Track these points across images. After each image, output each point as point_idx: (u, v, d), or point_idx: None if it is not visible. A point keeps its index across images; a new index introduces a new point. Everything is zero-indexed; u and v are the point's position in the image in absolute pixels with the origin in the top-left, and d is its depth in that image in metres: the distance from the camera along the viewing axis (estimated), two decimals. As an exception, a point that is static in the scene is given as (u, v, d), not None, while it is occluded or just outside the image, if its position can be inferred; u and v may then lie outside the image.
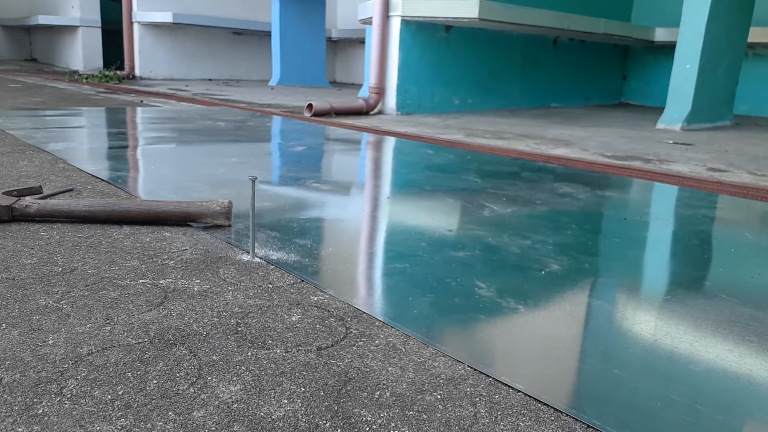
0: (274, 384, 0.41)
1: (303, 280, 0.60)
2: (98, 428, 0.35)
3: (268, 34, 4.46)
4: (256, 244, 0.67)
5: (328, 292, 0.58)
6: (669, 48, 3.03)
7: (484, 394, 0.41)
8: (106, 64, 4.84)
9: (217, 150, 1.40)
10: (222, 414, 0.37)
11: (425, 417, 0.38)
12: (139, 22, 4.57)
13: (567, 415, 0.39)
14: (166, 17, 4.45)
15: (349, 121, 2.16)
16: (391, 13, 2.46)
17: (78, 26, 4.84)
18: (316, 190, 1.01)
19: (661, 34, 3.40)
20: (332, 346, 0.47)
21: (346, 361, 0.45)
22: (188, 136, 1.60)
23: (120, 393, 0.39)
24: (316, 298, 0.56)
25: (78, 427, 0.35)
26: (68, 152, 1.23)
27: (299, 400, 0.39)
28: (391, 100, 2.53)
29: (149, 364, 0.43)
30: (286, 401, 0.39)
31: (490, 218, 0.87)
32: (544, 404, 0.40)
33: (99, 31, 4.92)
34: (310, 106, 2.28)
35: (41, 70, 4.82)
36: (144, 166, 1.20)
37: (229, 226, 0.77)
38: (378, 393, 0.41)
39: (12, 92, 2.74)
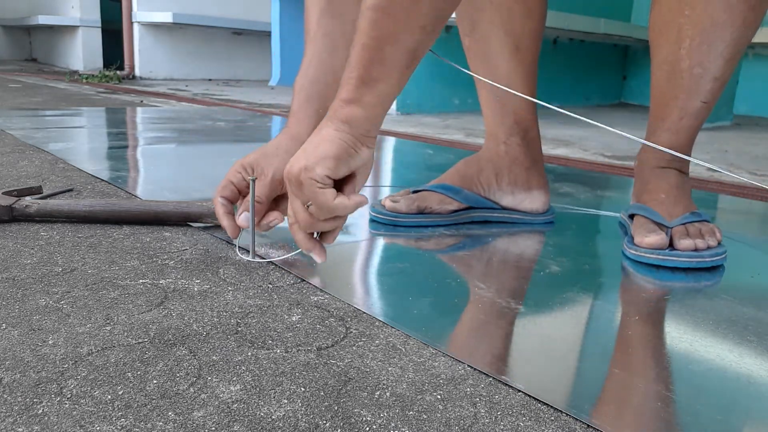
0: (274, 384, 0.41)
1: (303, 280, 0.60)
2: (98, 428, 0.35)
3: (268, 34, 4.46)
4: (256, 244, 0.67)
5: (328, 292, 0.58)
6: (669, 48, 3.02)
7: (484, 394, 0.41)
8: (106, 64, 4.84)
9: (218, 150, 1.40)
10: (222, 414, 0.37)
11: (425, 417, 0.38)
12: (139, 22, 4.57)
13: (567, 415, 0.39)
14: (166, 17, 4.44)
15: (349, 121, 2.16)
16: (391, 13, 2.45)
17: (78, 26, 4.84)
18: (316, 190, 1.01)
19: (661, 34, 3.39)
20: (332, 346, 0.47)
21: (346, 361, 0.45)
22: (188, 136, 1.60)
23: (120, 393, 0.39)
24: (316, 298, 0.56)
25: (78, 427, 0.35)
26: (68, 152, 1.23)
27: (299, 400, 0.39)
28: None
29: (149, 364, 0.43)
30: (286, 401, 0.39)
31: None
32: (544, 404, 0.40)
33: (99, 31, 4.91)
34: (310, 106, 2.28)
35: (41, 70, 4.82)
36: (144, 166, 1.20)
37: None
38: (378, 393, 0.41)
39: (12, 92, 2.74)
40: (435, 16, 0.57)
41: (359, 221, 0.84)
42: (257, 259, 0.65)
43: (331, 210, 0.58)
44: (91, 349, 0.44)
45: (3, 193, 0.77)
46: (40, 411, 0.37)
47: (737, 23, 0.67)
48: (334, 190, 0.58)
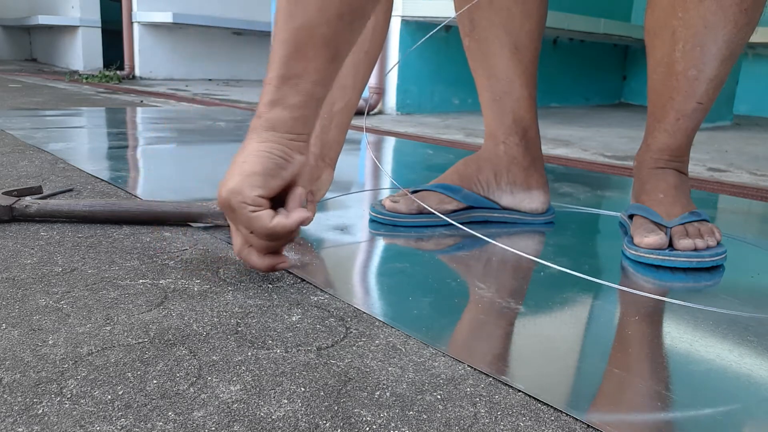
0: (274, 384, 0.41)
1: (303, 280, 0.60)
2: (98, 428, 0.35)
3: (268, 34, 4.46)
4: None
5: (328, 292, 0.58)
6: (669, 48, 3.01)
7: (484, 394, 0.41)
8: (106, 64, 4.84)
9: (218, 150, 1.40)
10: (222, 414, 0.37)
11: (425, 417, 0.38)
12: (139, 22, 4.57)
13: (567, 415, 0.39)
14: (166, 17, 4.44)
15: (349, 121, 2.16)
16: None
17: (78, 26, 4.84)
18: (316, 190, 1.01)
19: (661, 34, 3.38)
20: (332, 346, 0.47)
21: (346, 361, 0.45)
22: (188, 136, 1.60)
23: (120, 393, 0.39)
24: (316, 298, 0.56)
25: (78, 427, 0.35)
26: (68, 152, 1.23)
27: (299, 400, 0.39)
28: (391, 100, 2.53)
29: (149, 364, 0.43)
30: (286, 401, 0.39)
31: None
32: (544, 404, 0.40)
33: (99, 31, 4.91)
34: (310, 106, 2.28)
35: (41, 70, 4.82)
36: (144, 166, 1.20)
37: (229, 226, 0.77)
38: (378, 393, 0.41)
39: (12, 92, 2.74)
40: (352, 6, 0.54)
41: (359, 221, 0.84)
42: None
43: (272, 234, 0.53)
44: (91, 349, 0.44)
45: (3, 193, 0.77)
46: (40, 411, 0.37)
47: (729, 26, 0.67)
48: (270, 212, 0.53)
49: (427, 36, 0.72)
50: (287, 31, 0.52)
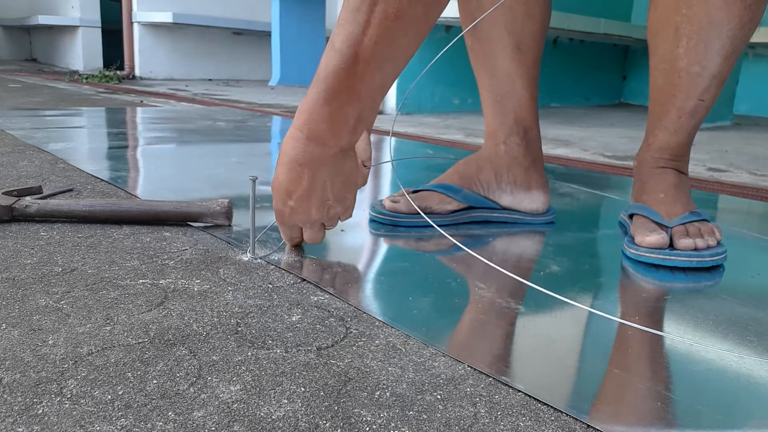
0: (274, 384, 0.41)
1: (303, 280, 0.60)
2: (98, 428, 0.35)
3: (268, 34, 4.46)
4: (256, 244, 0.67)
5: (328, 291, 0.58)
6: (669, 48, 3.00)
7: (484, 394, 0.41)
8: (106, 64, 4.84)
9: (217, 150, 1.40)
10: (222, 414, 0.37)
11: (425, 417, 0.38)
12: (139, 22, 4.57)
13: (567, 415, 0.39)
14: (166, 17, 4.45)
15: (349, 121, 2.16)
16: (391, 13, 2.45)
17: (78, 26, 4.84)
18: (316, 190, 1.01)
19: (661, 34, 3.38)
20: (332, 346, 0.47)
21: (346, 361, 0.45)
22: (188, 136, 1.60)
23: (120, 393, 0.39)
24: (316, 298, 0.56)
25: (78, 427, 0.35)
26: (68, 152, 1.23)
27: (299, 400, 0.39)
28: (391, 100, 2.53)
29: (149, 364, 0.43)
30: (286, 401, 0.39)
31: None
32: (544, 404, 0.40)
33: (99, 31, 4.92)
34: (310, 106, 2.28)
35: (41, 70, 4.82)
36: (144, 166, 1.20)
37: (230, 226, 0.77)
38: (378, 393, 0.41)
39: (12, 92, 2.74)
40: (420, 42, 0.62)
41: (359, 221, 0.84)
42: (256, 260, 0.65)
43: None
44: (91, 349, 0.44)
45: (3, 193, 0.77)
46: (40, 411, 0.37)
47: (733, 22, 0.67)
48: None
49: (452, 42, 0.73)
50: (381, 73, 0.59)
